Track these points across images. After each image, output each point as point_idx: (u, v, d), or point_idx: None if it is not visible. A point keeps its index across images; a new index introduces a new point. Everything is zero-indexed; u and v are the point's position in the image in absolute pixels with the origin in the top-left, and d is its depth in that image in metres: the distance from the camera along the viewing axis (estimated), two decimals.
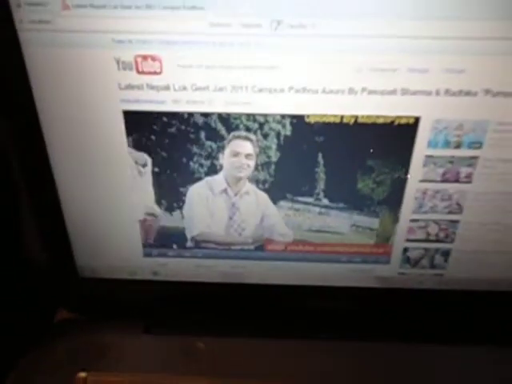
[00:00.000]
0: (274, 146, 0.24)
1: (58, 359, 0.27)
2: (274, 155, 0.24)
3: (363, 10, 0.20)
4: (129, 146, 0.24)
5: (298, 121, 0.23)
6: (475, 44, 0.21)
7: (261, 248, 0.28)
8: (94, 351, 0.27)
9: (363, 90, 0.22)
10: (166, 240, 0.27)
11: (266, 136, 0.24)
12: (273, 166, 0.25)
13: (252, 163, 0.25)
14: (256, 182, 0.25)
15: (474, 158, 0.24)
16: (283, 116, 0.23)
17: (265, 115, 0.23)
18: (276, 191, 0.26)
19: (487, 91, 0.22)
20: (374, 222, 0.26)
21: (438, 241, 0.27)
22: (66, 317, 0.30)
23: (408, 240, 0.27)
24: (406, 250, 0.27)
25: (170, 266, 0.29)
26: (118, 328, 0.29)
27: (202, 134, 0.24)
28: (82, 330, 0.29)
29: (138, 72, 0.22)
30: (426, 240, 0.27)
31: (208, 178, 0.25)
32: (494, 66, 0.21)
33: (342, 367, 0.27)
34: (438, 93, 0.22)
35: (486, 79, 0.22)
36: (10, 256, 0.29)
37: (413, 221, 0.26)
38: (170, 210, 0.26)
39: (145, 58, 0.22)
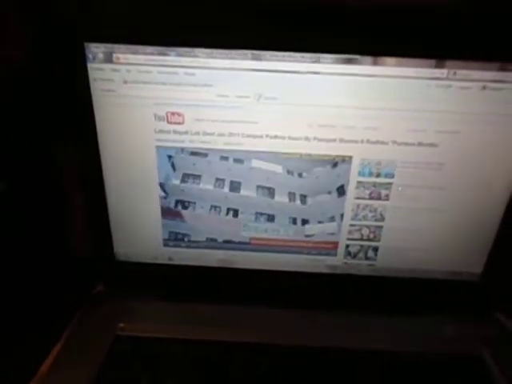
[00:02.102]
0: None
1: (100, 318, 0.38)
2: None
3: (314, 91, 0.32)
4: (157, 169, 0.36)
5: (272, 156, 0.35)
6: (385, 113, 0.33)
7: (247, 243, 0.39)
8: (124, 313, 0.38)
9: (314, 138, 0.34)
10: (179, 236, 0.39)
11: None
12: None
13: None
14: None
15: (389, 183, 0.35)
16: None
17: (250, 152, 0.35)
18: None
19: (394, 142, 0.34)
20: (327, 227, 0.38)
21: (369, 240, 0.38)
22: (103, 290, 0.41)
23: (349, 239, 0.38)
24: (347, 246, 0.38)
25: (181, 254, 0.40)
26: (142, 298, 0.40)
27: (208, 160, 0.35)
28: (116, 299, 0.40)
29: (168, 122, 0.34)
30: (361, 239, 0.38)
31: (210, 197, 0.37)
32: (399, 125, 0.33)
33: (304, 328, 0.37)
34: (362, 141, 0.34)
35: (394, 134, 0.34)
36: (67, 246, 0.40)
37: (351, 225, 0.38)
38: (181, 218, 0.38)
39: (173, 113, 0.34)
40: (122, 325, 0.36)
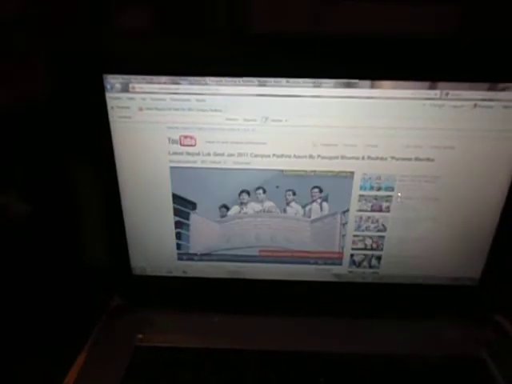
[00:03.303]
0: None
1: (119, 330, 0.40)
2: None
3: (316, 113, 0.35)
4: (172, 187, 0.38)
5: (278, 173, 0.37)
6: (383, 131, 0.35)
7: (256, 255, 0.41)
8: (142, 325, 0.41)
9: (318, 156, 0.36)
10: (191, 250, 0.41)
11: None
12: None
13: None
14: None
15: (390, 196, 0.38)
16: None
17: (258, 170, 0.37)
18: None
19: (393, 157, 0.36)
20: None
21: (372, 249, 0.40)
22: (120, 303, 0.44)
23: (353, 249, 0.40)
24: (352, 255, 0.41)
25: (194, 267, 0.42)
26: (159, 309, 0.42)
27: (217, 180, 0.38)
28: (133, 311, 0.42)
29: (181, 145, 0.36)
30: (365, 249, 0.40)
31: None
32: (397, 142, 0.36)
33: (312, 333, 0.39)
34: (363, 158, 0.36)
35: (392, 150, 0.36)
36: (85, 261, 0.42)
37: (355, 236, 0.40)
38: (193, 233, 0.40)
39: (186, 137, 0.36)
40: (140, 336, 0.38)
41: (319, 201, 0.38)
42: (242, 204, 0.38)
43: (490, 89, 0.33)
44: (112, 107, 0.35)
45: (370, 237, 0.40)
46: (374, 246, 0.40)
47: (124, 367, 0.36)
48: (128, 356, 0.37)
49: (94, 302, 0.43)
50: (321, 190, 0.38)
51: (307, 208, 0.38)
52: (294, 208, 0.39)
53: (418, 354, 0.37)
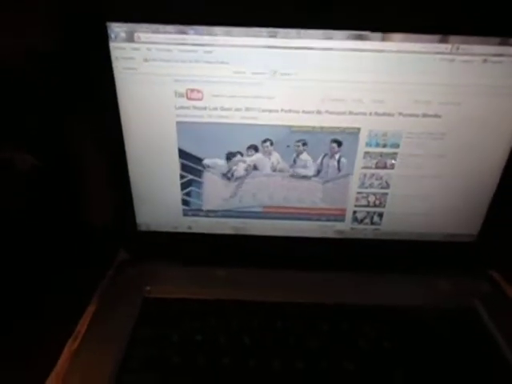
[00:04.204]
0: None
1: (127, 282, 0.41)
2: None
3: (326, 67, 0.34)
4: (178, 143, 0.38)
5: (286, 129, 0.37)
6: (391, 86, 0.35)
7: (260, 211, 0.42)
8: (149, 278, 0.41)
9: (326, 111, 0.36)
10: (197, 206, 0.41)
11: None
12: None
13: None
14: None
15: (395, 153, 0.38)
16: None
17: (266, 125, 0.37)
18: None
19: (400, 113, 0.36)
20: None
21: (375, 206, 0.41)
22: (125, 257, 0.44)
23: (356, 206, 0.41)
24: (354, 212, 0.41)
25: (199, 223, 0.42)
26: (165, 264, 0.43)
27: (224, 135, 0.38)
28: (140, 265, 0.43)
29: (188, 98, 0.36)
30: (367, 206, 0.41)
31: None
32: (405, 97, 0.36)
33: (313, 286, 0.41)
34: (370, 114, 0.36)
35: (400, 106, 0.36)
36: (91, 216, 0.43)
37: (358, 193, 0.40)
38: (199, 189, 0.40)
39: (192, 90, 0.35)
40: (148, 288, 0.39)
41: (324, 158, 0.38)
42: (248, 159, 0.38)
43: (501, 43, 0.33)
44: (116, 57, 0.34)
45: (374, 194, 0.40)
46: (377, 202, 0.41)
47: (134, 317, 0.37)
48: (137, 306, 0.38)
49: (100, 256, 0.44)
50: (327, 147, 0.38)
51: (312, 165, 0.39)
52: (299, 165, 0.39)
53: (416, 306, 0.39)
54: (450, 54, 0.33)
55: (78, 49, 0.34)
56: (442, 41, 0.33)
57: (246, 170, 0.39)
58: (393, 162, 0.38)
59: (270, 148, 0.38)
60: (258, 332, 0.36)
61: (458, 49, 0.33)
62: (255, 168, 0.39)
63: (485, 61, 0.34)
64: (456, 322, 0.38)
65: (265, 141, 0.37)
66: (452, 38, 0.33)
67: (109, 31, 0.33)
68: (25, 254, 0.41)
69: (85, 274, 0.42)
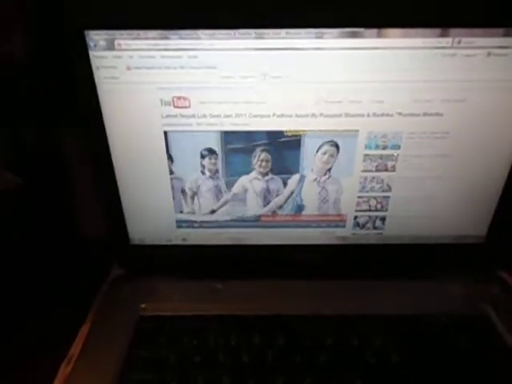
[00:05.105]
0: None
1: (122, 300, 0.39)
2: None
3: (319, 67, 0.32)
4: (167, 152, 0.36)
5: (279, 134, 0.35)
6: (390, 85, 0.33)
7: (257, 220, 0.40)
8: (144, 294, 0.40)
9: (321, 114, 0.34)
10: (191, 217, 0.40)
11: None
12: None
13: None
14: None
15: (395, 155, 0.36)
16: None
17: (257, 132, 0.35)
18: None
19: (399, 113, 0.34)
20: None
21: (376, 210, 0.39)
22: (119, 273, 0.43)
23: (357, 210, 0.39)
24: (356, 217, 0.40)
25: (194, 234, 0.41)
26: (160, 278, 0.41)
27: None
28: (134, 281, 0.41)
29: (174, 106, 0.34)
30: (369, 210, 0.39)
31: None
32: (404, 96, 0.34)
33: (316, 296, 0.39)
34: (368, 115, 0.34)
35: (399, 106, 0.34)
36: (88, 233, 0.41)
37: (359, 197, 0.38)
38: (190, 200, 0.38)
39: (179, 98, 0.34)
40: (143, 305, 0.38)
41: (322, 162, 0.37)
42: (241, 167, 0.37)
43: (505, 35, 0.31)
44: (97, 67, 0.32)
45: (375, 197, 0.38)
46: (379, 206, 0.39)
47: (129, 337, 0.35)
48: (132, 325, 0.36)
49: (95, 272, 0.42)
50: (324, 152, 0.36)
51: (309, 170, 0.37)
52: (295, 170, 0.37)
53: (423, 314, 0.37)
54: (451, 48, 0.31)
55: (57, 59, 0.32)
56: (442, 35, 0.31)
57: (240, 177, 0.37)
58: (394, 163, 0.37)
59: (263, 156, 0.36)
60: (259, 349, 0.34)
61: (459, 42, 0.31)
62: (249, 175, 0.37)
63: (488, 54, 0.31)
64: (468, 330, 0.36)
65: (256, 149, 0.36)
66: (453, 31, 0.31)
67: (87, 40, 0.31)
68: (13, 273, 0.40)
69: (79, 291, 0.41)
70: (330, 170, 0.37)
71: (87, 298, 0.40)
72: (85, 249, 0.43)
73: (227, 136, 0.35)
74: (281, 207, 0.39)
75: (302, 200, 0.39)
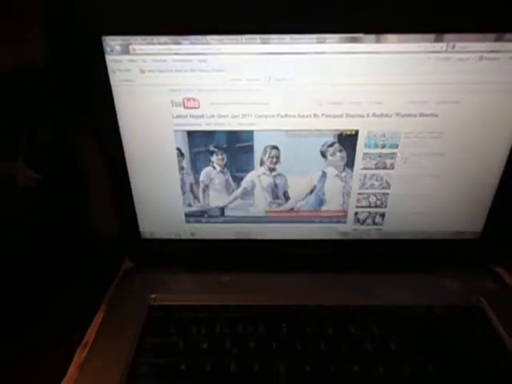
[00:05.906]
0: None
1: (133, 291, 0.42)
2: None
3: (321, 70, 0.34)
4: (177, 150, 0.38)
5: (283, 134, 0.37)
6: (388, 87, 0.35)
7: (263, 216, 0.42)
8: (154, 286, 0.42)
9: (322, 115, 0.36)
10: (199, 213, 0.42)
11: None
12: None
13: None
14: None
15: (394, 153, 0.38)
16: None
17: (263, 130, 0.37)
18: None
19: (397, 114, 0.36)
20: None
21: (376, 207, 0.41)
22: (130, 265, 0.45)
23: (357, 207, 0.41)
24: (356, 213, 0.41)
25: (202, 229, 0.43)
26: (169, 271, 0.43)
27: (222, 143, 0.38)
28: (145, 273, 0.43)
29: (185, 107, 0.36)
30: (369, 206, 0.41)
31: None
32: (402, 98, 0.35)
33: (317, 288, 0.41)
34: (368, 115, 0.36)
35: (397, 107, 0.36)
36: (100, 229, 0.43)
37: (359, 194, 0.40)
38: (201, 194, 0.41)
39: (189, 99, 0.36)
40: (153, 296, 0.40)
41: (323, 160, 0.38)
42: (248, 164, 0.39)
43: (496, 39, 0.33)
44: (113, 71, 0.34)
45: (374, 194, 0.40)
46: (378, 203, 0.41)
47: (141, 325, 0.37)
48: (143, 314, 0.38)
49: (106, 265, 0.44)
50: (325, 151, 0.38)
51: (312, 167, 0.39)
52: (299, 168, 0.39)
53: (421, 305, 0.38)
54: (445, 52, 0.33)
55: (76, 63, 0.35)
56: (436, 40, 0.33)
57: (247, 174, 0.39)
58: (392, 162, 0.38)
59: (269, 153, 0.38)
60: (264, 337, 0.36)
61: (453, 47, 0.33)
62: (256, 172, 0.39)
63: (481, 58, 0.33)
64: (463, 322, 0.37)
65: (262, 147, 0.38)
66: (447, 36, 0.33)
67: (104, 45, 0.33)
68: (32, 266, 0.42)
69: (92, 283, 0.43)
70: (331, 167, 0.39)
71: (101, 290, 0.42)
72: (98, 243, 0.45)
73: (234, 135, 0.37)
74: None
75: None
